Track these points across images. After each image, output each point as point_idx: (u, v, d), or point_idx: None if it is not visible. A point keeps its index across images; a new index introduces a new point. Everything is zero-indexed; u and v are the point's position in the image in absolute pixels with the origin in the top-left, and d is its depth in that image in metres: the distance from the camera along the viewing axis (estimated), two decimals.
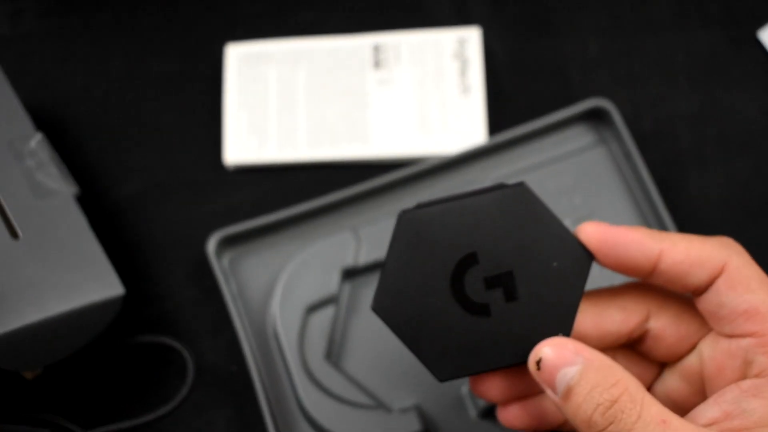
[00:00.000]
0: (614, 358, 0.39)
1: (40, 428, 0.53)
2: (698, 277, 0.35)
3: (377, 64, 0.61)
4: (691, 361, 0.38)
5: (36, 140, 0.53)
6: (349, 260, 0.55)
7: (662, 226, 0.55)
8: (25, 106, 0.55)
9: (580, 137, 0.58)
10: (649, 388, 0.41)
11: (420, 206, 0.38)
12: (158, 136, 0.61)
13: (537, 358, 0.34)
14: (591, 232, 0.37)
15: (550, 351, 0.34)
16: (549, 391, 0.34)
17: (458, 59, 0.60)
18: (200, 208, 0.58)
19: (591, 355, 0.34)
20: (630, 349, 0.41)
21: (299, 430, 0.53)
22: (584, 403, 0.33)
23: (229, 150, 0.59)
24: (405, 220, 0.38)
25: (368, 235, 0.55)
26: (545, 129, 0.58)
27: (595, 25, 0.62)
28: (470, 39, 0.61)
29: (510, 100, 0.60)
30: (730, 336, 0.35)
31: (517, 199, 0.37)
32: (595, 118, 0.58)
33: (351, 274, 0.55)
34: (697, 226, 0.57)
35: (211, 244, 0.55)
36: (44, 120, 0.60)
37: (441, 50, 0.61)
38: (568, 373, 0.33)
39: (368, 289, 0.55)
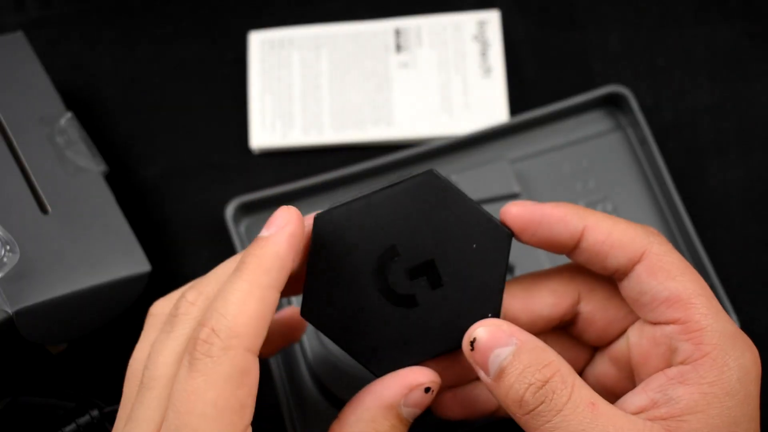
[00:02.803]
0: (546, 341, 0.39)
1: (66, 401, 0.54)
2: (618, 259, 0.35)
3: (399, 47, 0.62)
4: (620, 346, 0.38)
5: (66, 118, 0.54)
6: None
7: (675, 212, 0.56)
8: (56, 87, 0.56)
9: (597, 122, 0.59)
10: (581, 372, 0.41)
11: (333, 207, 0.38)
12: (185, 118, 0.62)
13: (471, 339, 0.34)
14: (516, 213, 0.37)
15: (483, 331, 0.34)
16: (481, 373, 0.34)
17: (479, 41, 0.61)
18: (226, 190, 0.59)
19: (524, 337, 0.34)
20: (562, 332, 0.41)
21: (307, 390, 0.54)
22: (516, 383, 0.33)
23: (255, 134, 0.60)
24: (320, 222, 0.37)
25: None
26: (563, 112, 0.59)
27: (619, 18, 0.63)
28: (490, 21, 0.62)
29: (533, 88, 0.61)
30: (654, 323, 0.35)
31: (429, 186, 0.37)
32: (613, 104, 0.59)
33: None
34: (716, 217, 0.58)
35: (230, 210, 0.56)
36: (74, 100, 0.61)
37: (461, 33, 0.62)
38: (501, 354, 0.34)
39: None
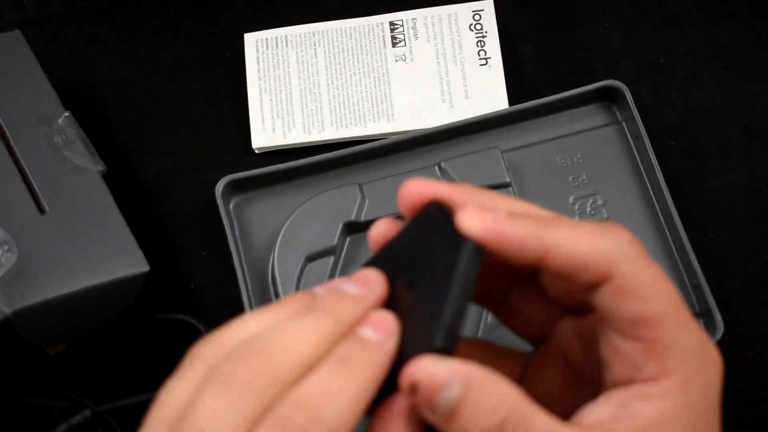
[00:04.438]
0: (515, 293, 0.37)
1: (59, 401, 0.54)
2: (583, 280, 0.32)
3: (394, 40, 0.62)
4: (587, 324, 0.36)
5: (64, 118, 0.54)
6: (352, 214, 0.56)
7: (665, 207, 0.56)
8: (54, 86, 0.56)
9: (592, 116, 0.59)
10: (547, 337, 0.38)
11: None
12: (184, 118, 0.61)
13: (409, 384, 0.31)
14: (471, 227, 0.33)
15: (423, 374, 0.31)
16: (428, 414, 0.31)
17: (475, 30, 0.61)
18: None
19: (470, 374, 0.31)
20: (531, 285, 0.38)
21: None
22: (469, 428, 0.31)
23: (255, 135, 0.60)
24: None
25: (374, 192, 0.56)
26: (558, 105, 0.59)
27: (620, 17, 0.62)
28: (485, 9, 0.62)
29: (533, 87, 0.61)
30: (620, 334, 0.33)
31: (426, 218, 0.35)
32: (608, 99, 0.59)
33: (352, 228, 0.56)
34: (717, 217, 0.57)
35: (219, 188, 0.56)
36: (72, 100, 0.61)
37: (457, 23, 0.62)
38: (447, 395, 0.30)
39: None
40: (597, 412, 0.33)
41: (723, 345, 0.53)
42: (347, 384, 0.30)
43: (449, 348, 0.32)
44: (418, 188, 0.35)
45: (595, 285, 0.32)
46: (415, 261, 0.34)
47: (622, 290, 0.32)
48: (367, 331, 0.32)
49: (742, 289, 0.56)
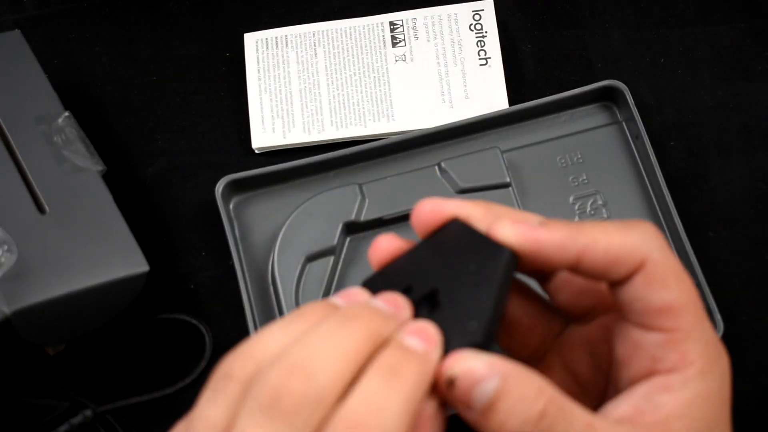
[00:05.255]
0: (517, 302, 0.37)
1: (59, 401, 0.54)
2: (617, 274, 0.33)
3: (394, 40, 0.62)
4: (596, 330, 0.37)
5: (63, 118, 0.54)
6: (352, 214, 0.56)
7: (665, 207, 0.56)
8: (54, 86, 0.55)
9: (592, 116, 0.59)
10: (549, 348, 0.39)
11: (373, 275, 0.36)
12: (184, 118, 0.61)
13: (447, 378, 0.31)
14: (509, 236, 0.34)
15: (461, 368, 0.31)
16: (464, 410, 0.32)
17: (475, 30, 0.61)
18: None
19: (507, 368, 0.31)
20: (535, 296, 0.39)
21: None
22: (509, 420, 0.31)
23: (255, 135, 0.60)
24: (364, 284, 0.36)
25: (373, 192, 0.56)
26: (558, 105, 0.59)
27: (620, 16, 0.62)
28: (485, 9, 0.62)
29: (533, 87, 0.61)
30: (640, 327, 0.34)
31: (444, 233, 0.35)
32: (608, 99, 0.59)
33: (352, 228, 0.56)
34: (718, 217, 0.57)
35: (219, 188, 0.56)
36: (72, 99, 0.61)
37: (457, 23, 0.62)
38: (485, 389, 0.31)
39: (367, 244, 0.56)
40: (621, 407, 0.33)
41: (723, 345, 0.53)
42: (397, 396, 0.29)
43: (487, 346, 0.32)
44: (433, 207, 0.35)
45: (627, 277, 0.33)
46: (438, 272, 0.34)
47: (651, 278, 0.33)
48: (412, 341, 0.31)
49: (742, 289, 0.56)
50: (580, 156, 0.58)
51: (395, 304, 0.33)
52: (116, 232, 0.51)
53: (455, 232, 0.35)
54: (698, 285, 0.54)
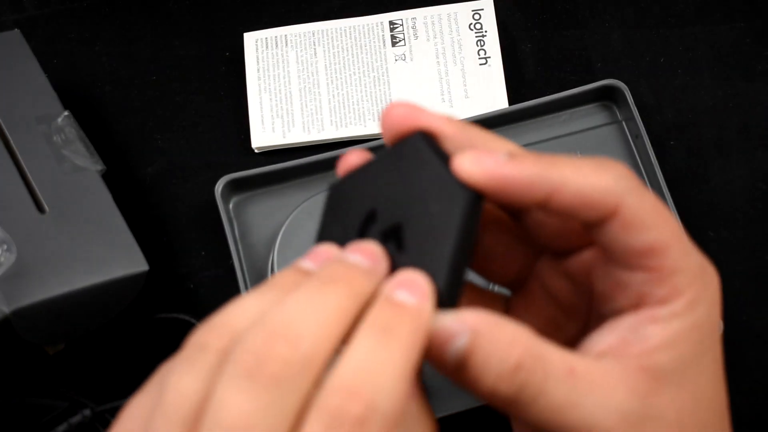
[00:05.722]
0: (488, 232, 0.35)
1: (59, 401, 0.54)
2: (589, 217, 0.31)
3: (394, 40, 0.62)
4: (579, 263, 0.35)
5: (63, 117, 0.54)
6: None
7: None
8: (53, 85, 0.56)
9: (592, 116, 0.59)
10: (527, 274, 0.37)
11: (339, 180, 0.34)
12: (184, 117, 0.61)
13: None
14: (471, 173, 0.31)
15: (434, 330, 0.29)
16: (441, 368, 0.30)
17: (475, 30, 0.61)
18: None
19: (476, 321, 0.29)
20: (506, 226, 0.36)
21: None
22: (483, 376, 0.29)
23: (255, 135, 0.60)
24: (331, 190, 0.35)
25: None
26: (558, 104, 0.59)
27: (620, 16, 0.62)
28: (485, 8, 0.62)
29: (533, 87, 0.61)
30: (624, 267, 0.32)
31: (410, 149, 0.33)
32: (608, 98, 0.59)
33: None
34: (718, 217, 0.57)
35: (219, 187, 0.56)
36: (72, 99, 0.61)
37: (457, 22, 0.62)
38: (455, 346, 0.29)
39: None
40: (605, 339, 0.32)
41: (723, 345, 0.53)
42: (393, 357, 0.27)
43: (453, 303, 0.31)
44: (405, 112, 0.32)
45: (601, 221, 0.32)
46: (401, 200, 0.32)
47: (629, 223, 0.31)
48: (402, 295, 0.29)
49: (741, 289, 0.56)
50: (580, 155, 0.58)
51: (372, 256, 0.30)
52: (116, 231, 0.51)
53: (420, 152, 0.32)
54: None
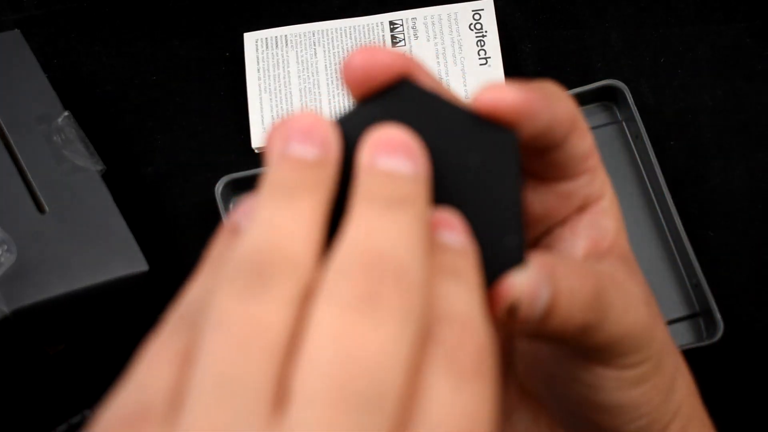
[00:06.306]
0: None
1: (59, 401, 0.54)
2: (559, 134, 0.31)
3: (394, 40, 0.62)
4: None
5: (63, 117, 0.54)
6: None
7: (665, 207, 0.56)
8: (53, 85, 0.56)
9: (592, 116, 0.59)
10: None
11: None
12: (184, 117, 0.61)
13: (507, 308, 0.27)
14: (513, 103, 0.28)
15: (521, 293, 0.27)
16: (524, 326, 0.28)
17: (475, 30, 0.61)
18: None
19: (549, 264, 0.28)
20: None
21: None
22: (571, 317, 0.28)
23: (255, 134, 0.60)
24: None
25: None
26: None
27: (620, 15, 0.62)
28: (485, 9, 0.62)
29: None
30: (570, 179, 0.33)
31: (403, 101, 0.28)
32: (609, 98, 0.59)
33: None
34: (718, 216, 0.57)
35: (219, 187, 0.56)
36: (72, 99, 0.61)
37: (457, 22, 0.62)
38: (542, 300, 0.28)
39: None
40: (578, 244, 0.33)
41: (723, 345, 0.53)
42: (478, 297, 0.25)
43: (524, 260, 0.28)
44: (368, 58, 0.27)
45: (569, 134, 0.32)
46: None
47: (581, 130, 0.32)
48: (450, 236, 0.26)
49: (742, 289, 0.56)
50: None
51: (321, 140, 0.25)
52: (116, 231, 0.51)
53: (423, 101, 0.28)
54: (698, 285, 0.54)
